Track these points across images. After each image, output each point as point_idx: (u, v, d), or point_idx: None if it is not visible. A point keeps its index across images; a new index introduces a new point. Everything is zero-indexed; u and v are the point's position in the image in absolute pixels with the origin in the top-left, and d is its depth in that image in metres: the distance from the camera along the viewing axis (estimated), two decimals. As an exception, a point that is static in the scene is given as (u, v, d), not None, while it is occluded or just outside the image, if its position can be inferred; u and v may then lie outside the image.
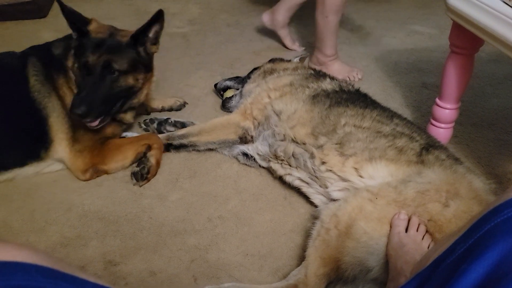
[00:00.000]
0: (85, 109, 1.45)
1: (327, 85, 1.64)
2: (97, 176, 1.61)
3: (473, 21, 1.31)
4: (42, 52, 1.63)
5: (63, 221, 1.44)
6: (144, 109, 1.93)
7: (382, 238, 1.15)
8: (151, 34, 1.61)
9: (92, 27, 1.57)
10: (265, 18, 2.53)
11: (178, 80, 2.24)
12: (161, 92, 2.12)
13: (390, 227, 1.16)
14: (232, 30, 2.82)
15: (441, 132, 1.68)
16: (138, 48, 1.59)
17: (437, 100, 1.66)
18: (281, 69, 1.87)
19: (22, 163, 1.56)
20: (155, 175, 1.61)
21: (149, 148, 1.62)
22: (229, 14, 3.04)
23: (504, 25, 1.21)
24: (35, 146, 1.56)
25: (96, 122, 1.52)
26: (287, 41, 2.57)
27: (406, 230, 1.15)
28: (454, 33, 1.49)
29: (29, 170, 1.58)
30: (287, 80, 1.69)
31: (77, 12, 1.59)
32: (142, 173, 1.57)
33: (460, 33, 1.45)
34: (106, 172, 1.62)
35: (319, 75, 1.77)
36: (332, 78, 1.73)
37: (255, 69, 2.01)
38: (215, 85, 2.08)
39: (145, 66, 1.62)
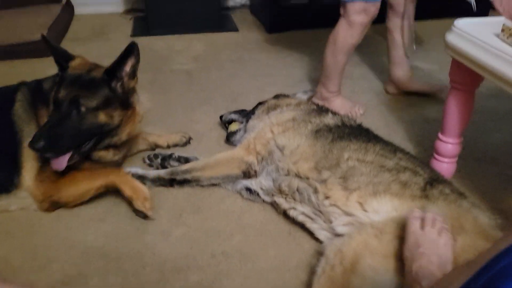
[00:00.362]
0: (43, 144, 1.41)
1: (329, 120, 1.66)
2: (56, 208, 1.58)
3: (472, 59, 1.34)
4: (34, 84, 1.68)
5: (65, 258, 1.42)
6: (136, 147, 1.92)
7: (389, 273, 1.13)
8: (127, 68, 1.57)
9: (74, 63, 1.59)
10: (390, 89, 2.52)
11: (182, 116, 2.27)
12: (165, 128, 2.14)
13: (405, 226, 1.14)
14: (235, 66, 2.87)
15: (445, 166, 1.69)
16: (113, 84, 1.56)
17: (440, 135, 1.67)
18: (285, 104, 1.90)
19: None
20: (147, 199, 1.56)
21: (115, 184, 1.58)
22: (232, 50, 3.11)
23: (502, 62, 1.23)
24: (6, 170, 1.54)
25: (61, 160, 1.48)
26: (432, 89, 2.47)
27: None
28: (454, 70, 1.52)
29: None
30: (290, 116, 1.72)
31: (62, 49, 1.63)
32: (137, 212, 1.56)
33: (459, 70, 1.48)
34: (64, 205, 1.58)
35: (322, 110, 1.79)
36: (334, 113, 1.76)
37: (260, 104, 2.04)
38: (221, 117, 2.11)
39: (121, 102, 1.58)
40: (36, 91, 1.63)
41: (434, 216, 1.14)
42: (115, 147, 1.67)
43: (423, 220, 1.14)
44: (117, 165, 1.76)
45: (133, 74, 1.60)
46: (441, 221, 1.14)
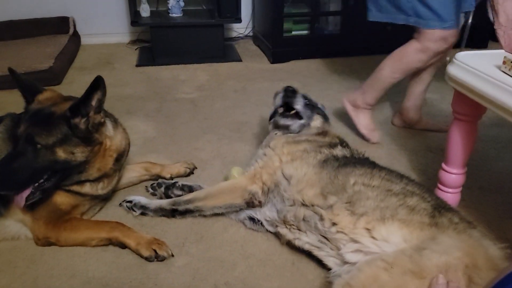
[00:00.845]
0: None
1: (338, 151, 1.65)
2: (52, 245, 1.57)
3: (474, 90, 1.36)
4: (17, 116, 1.63)
5: (66, 288, 1.41)
6: (135, 178, 1.92)
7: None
8: (93, 103, 1.50)
9: (41, 97, 1.55)
10: (397, 122, 2.49)
11: (186, 144, 2.28)
12: (169, 156, 2.15)
13: None
14: (239, 95, 2.91)
15: (449, 196, 1.68)
16: (76, 120, 1.48)
17: (443, 165, 1.67)
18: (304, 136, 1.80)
19: None
20: (153, 242, 1.53)
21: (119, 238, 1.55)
22: (236, 80, 3.16)
23: (504, 93, 1.25)
24: None
25: (20, 197, 1.44)
26: (440, 128, 2.39)
27: None
28: (456, 100, 1.54)
29: None
30: (302, 147, 1.69)
31: (30, 82, 1.58)
32: (147, 259, 1.52)
33: (462, 101, 1.49)
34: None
35: (333, 144, 1.74)
36: (343, 146, 1.73)
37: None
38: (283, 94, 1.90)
39: (84, 139, 1.51)
40: (17, 123, 1.56)
41: (457, 285, 1.12)
42: (95, 181, 1.62)
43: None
44: (107, 197, 1.75)
45: (99, 109, 1.53)
46: None
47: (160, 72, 3.26)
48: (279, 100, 1.89)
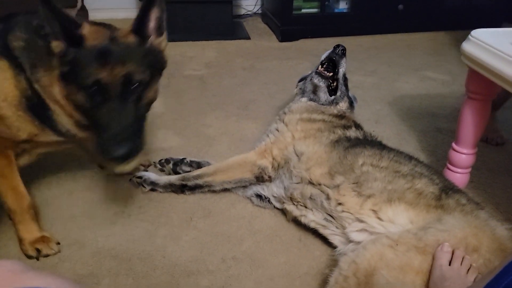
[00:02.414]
0: (126, 149, 1.16)
1: (351, 133, 1.65)
2: None
3: (489, 67, 1.34)
4: (29, 19, 1.33)
5: (76, 258, 1.43)
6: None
7: (405, 287, 1.11)
8: (151, 23, 1.25)
9: (87, 32, 1.19)
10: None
11: (194, 120, 2.28)
12: (178, 131, 2.15)
13: (433, 259, 1.12)
14: (247, 73, 2.89)
15: (458, 177, 1.67)
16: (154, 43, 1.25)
17: (454, 145, 1.66)
18: (320, 112, 1.79)
19: None
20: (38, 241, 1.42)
21: None
22: (244, 58, 3.13)
23: (520, 72, 1.23)
24: None
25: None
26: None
27: (450, 263, 1.10)
28: (470, 79, 1.51)
29: None
30: (316, 126, 1.67)
31: (69, 16, 1.18)
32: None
33: (476, 79, 1.47)
34: None
35: (347, 126, 1.72)
36: (357, 127, 1.72)
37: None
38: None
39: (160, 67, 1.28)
40: (36, 31, 1.25)
41: (463, 254, 1.13)
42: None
43: (452, 255, 1.12)
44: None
45: (160, 30, 1.27)
46: (470, 259, 1.12)
47: (168, 49, 3.23)
48: (324, 56, 1.86)
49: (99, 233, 1.53)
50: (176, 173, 1.82)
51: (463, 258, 1.12)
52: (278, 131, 1.71)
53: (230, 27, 3.51)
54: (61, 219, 1.58)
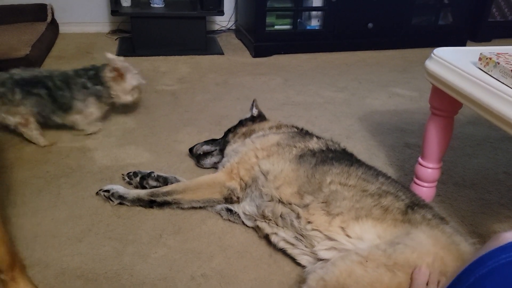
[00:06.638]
0: None
1: (314, 144, 1.66)
2: None
3: (451, 85, 1.38)
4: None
5: (39, 279, 1.37)
6: None
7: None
8: None
9: None
10: None
11: (166, 136, 2.26)
12: (148, 147, 2.13)
13: (411, 280, 1.12)
14: (220, 88, 2.89)
15: (425, 191, 1.71)
16: None
17: (420, 160, 1.70)
18: (267, 128, 1.89)
19: None
20: None
21: None
22: (218, 74, 3.14)
23: (479, 90, 1.27)
24: None
25: None
26: None
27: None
28: (433, 96, 1.56)
29: None
30: (274, 140, 1.70)
31: None
32: None
33: (439, 96, 1.52)
34: None
35: (306, 134, 1.79)
36: (318, 138, 1.75)
37: (229, 131, 2.02)
38: (191, 150, 2.02)
39: None
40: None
41: (439, 277, 1.13)
42: None
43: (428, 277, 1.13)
44: None
45: None
46: (445, 283, 1.14)
47: (140, 64, 3.21)
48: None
49: (64, 252, 1.49)
50: (142, 187, 1.80)
51: (438, 282, 1.13)
52: (239, 152, 1.72)
53: (203, 43, 3.53)
54: (24, 238, 1.53)
